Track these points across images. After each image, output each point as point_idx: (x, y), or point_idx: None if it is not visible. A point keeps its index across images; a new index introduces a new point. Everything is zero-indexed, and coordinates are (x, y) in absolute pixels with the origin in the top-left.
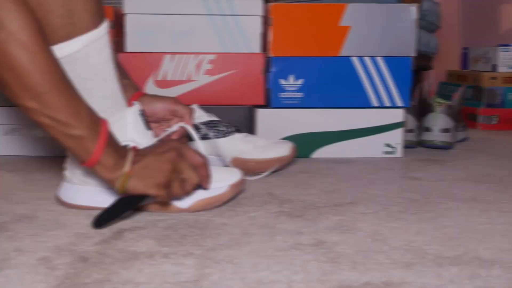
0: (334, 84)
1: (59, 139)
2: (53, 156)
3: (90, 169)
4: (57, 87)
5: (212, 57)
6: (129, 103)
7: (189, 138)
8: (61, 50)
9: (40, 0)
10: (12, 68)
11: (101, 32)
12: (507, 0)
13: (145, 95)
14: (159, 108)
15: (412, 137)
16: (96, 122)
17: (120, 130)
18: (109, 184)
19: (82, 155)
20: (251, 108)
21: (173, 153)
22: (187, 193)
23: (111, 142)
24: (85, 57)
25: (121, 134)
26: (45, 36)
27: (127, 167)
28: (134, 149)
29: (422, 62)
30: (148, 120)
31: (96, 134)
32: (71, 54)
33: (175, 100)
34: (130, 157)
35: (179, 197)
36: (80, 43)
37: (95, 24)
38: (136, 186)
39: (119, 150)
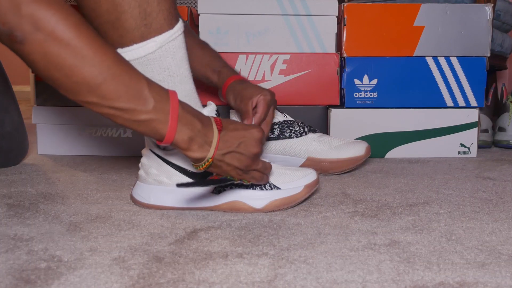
0: (408, 84)
1: (128, 126)
2: (127, 156)
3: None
4: (111, 75)
5: (286, 57)
6: (227, 83)
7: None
8: (135, 51)
9: (115, 1)
10: (60, 67)
11: (176, 33)
12: None
13: (236, 82)
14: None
15: (486, 137)
16: (163, 100)
17: None
18: (188, 158)
19: (155, 136)
20: (326, 108)
21: (257, 147)
22: (264, 180)
23: (184, 117)
24: (159, 58)
25: None
26: (88, 27)
27: (211, 153)
28: (218, 123)
29: (496, 62)
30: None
31: (166, 114)
32: (146, 55)
33: (256, 98)
34: (214, 142)
35: (258, 182)
36: (155, 45)
37: (170, 25)
38: (215, 170)
39: (193, 124)
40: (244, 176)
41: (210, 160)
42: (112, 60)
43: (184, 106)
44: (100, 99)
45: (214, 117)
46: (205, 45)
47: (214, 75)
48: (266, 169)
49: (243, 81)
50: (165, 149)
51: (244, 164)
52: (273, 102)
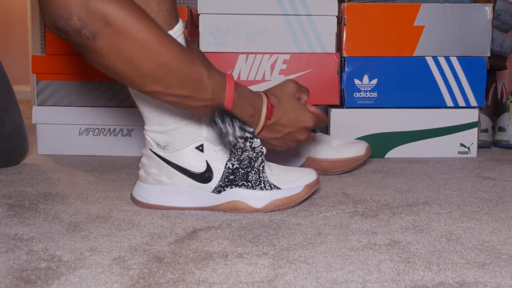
0: (408, 84)
1: (187, 109)
2: (128, 156)
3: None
4: (177, 65)
5: (286, 57)
6: None
7: None
8: None
9: None
10: (128, 60)
11: (176, 34)
12: None
13: None
14: None
15: (486, 137)
16: (220, 87)
17: (196, 130)
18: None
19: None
20: (326, 108)
21: (305, 135)
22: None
23: (238, 103)
24: None
25: (198, 133)
26: (150, 18)
27: (258, 129)
28: (269, 111)
29: (496, 62)
30: None
31: (222, 98)
32: None
33: None
34: (258, 128)
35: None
36: None
37: (170, 26)
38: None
39: (247, 109)
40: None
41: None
42: (176, 50)
43: (240, 91)
44: (165, 88)
45: (268, 101)
46: (191, 45)
47: None
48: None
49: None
50: (165, 149)
51: (287, 146)
52: None
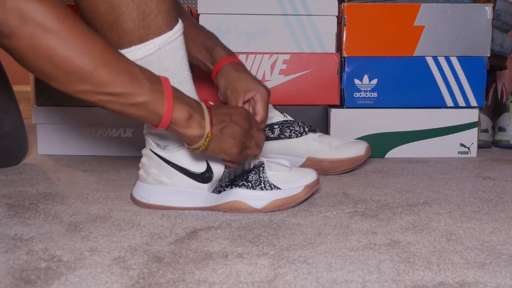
0: (409, 84)
1: (125, 111)
2: (127, 156)
3: (166, 131)
4: (103, 62)
5: (286, 57)
6: (218, 65)
7: None
8: (134, 53)
9: (113, 3)
10: (50, 59)
11: (175, 34)
12: None
13: (230, 65)
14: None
15: (486, 137)
16: (156, 82)
17: None
18: (186, 141)
19: (153, 119)
20: (326, 108)
21: (246, 122)
22: (255, 155)
23: (178, 96)
24: (158, 59)
25: None
26: (75, 17)
27: (207, 128)
28: (207, 104)
29: (496, 62)
30: None
31: (161, 94)
32: (145, 57)
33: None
34: (207, 117)
35: (249, 159)
36: (154, 46)
37: (169, 27)
38: (214, 149)
39: (189, 103)
40: (241, 156)
41: (209, 134)
42: (102, 48)
43: (176, 88)
44: (93, 86)
45: (206, 103)
46: (199, 26)
47: (207, 55)
48: (260, 140)
49: (238, 65)
50: (165, 149)
51: (240, 138)
52: (269, 98)
